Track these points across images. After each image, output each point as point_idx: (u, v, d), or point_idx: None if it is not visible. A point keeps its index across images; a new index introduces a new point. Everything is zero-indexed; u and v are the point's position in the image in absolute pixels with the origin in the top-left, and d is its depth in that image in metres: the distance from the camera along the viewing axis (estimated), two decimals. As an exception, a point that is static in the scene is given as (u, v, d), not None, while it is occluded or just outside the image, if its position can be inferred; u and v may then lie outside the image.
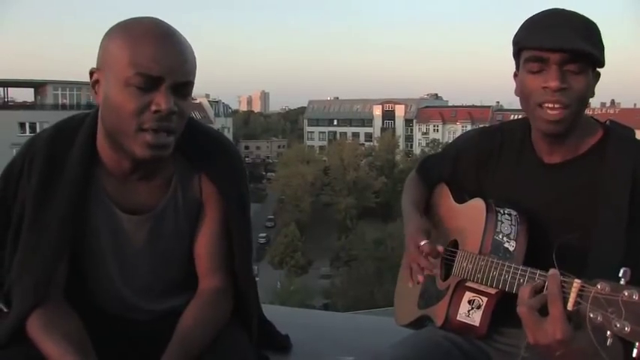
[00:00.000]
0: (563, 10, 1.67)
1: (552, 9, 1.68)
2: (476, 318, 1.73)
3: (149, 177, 1.74)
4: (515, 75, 1.73)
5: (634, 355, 1.20)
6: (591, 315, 1.27)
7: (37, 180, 1.69)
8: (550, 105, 1.62)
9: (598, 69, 1.67)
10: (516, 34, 1.70)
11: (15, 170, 1.74)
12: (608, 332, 1.24)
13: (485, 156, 1.90)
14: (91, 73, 1.62)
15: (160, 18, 1.62)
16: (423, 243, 1.80)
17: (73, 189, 1.68)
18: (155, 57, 1.52)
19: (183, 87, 1.58)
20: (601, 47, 1.65)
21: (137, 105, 1.53)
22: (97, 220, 1.74)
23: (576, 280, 1.33)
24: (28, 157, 1.73)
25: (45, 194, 1.68)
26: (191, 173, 1.80)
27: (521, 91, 1.69)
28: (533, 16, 1.69)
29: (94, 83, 1.61)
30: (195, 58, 1.63)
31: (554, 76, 1.59)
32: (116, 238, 1.76)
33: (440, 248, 1.79)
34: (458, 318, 1.75)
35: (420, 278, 1.81)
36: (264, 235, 61.99)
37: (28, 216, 1.68)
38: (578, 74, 1.61)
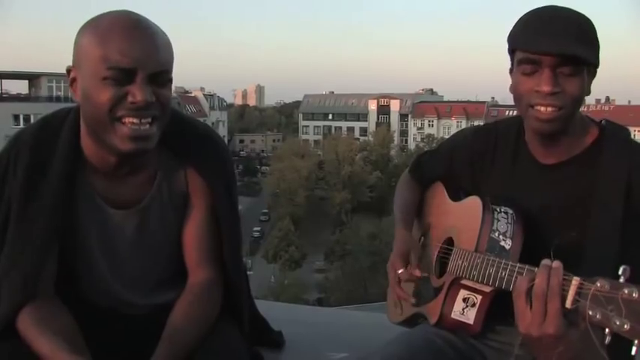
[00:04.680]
0: (557, 8, 1.65)
1: (547, 7, 1.66)
2: (470, 316, 1.73)
3: (135, 171, 1.73)
4: (511, 71, 1.72)
5: (633, 352, 1.20)
6: (590, 312, 1.26)
7: (23, 175, 1.68)
8: (542, 108, 1.61)
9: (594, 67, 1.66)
10: (511, 32, 1.69)
11: (1, 166, 1.73)
12: (607, 330, 1.24)
13: (480, 155, 1.90)
14: (68, 72, 1.62)
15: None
16: (400, 272, 1.84)
17: (60, 183, 1.67)
18: (124, 50, 1.51)
19: (159, 76, 1.57)
20: (596, 46, 1.63)
21: (112, 96, 1.53)
22: (84, 215, 1.73)
23: (575, 278, 1.32)
24: (13, 152, 1.72)
25: (31, 189, 1.67)
26: (177, 165, 1.79)
27: (515, 91, 1.68)
28: (528, 14, 1.67)
29: (72, 81, 1.61)
30: (170, 45, 1.62)
31: (546, 80, 1.58)
32: (104, 232, 1.75)
33: (416, 272, 1.83)
34: (452, 316, 1.75)
35: (402, 308, 1.87)
36: (258, 229, 62.08)
37: (14, 211, 1.67)
38: (572, 76, 1.59)
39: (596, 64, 1.64)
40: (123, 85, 1.53)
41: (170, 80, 1.62)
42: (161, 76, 1.57)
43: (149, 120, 1.57)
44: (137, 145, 1.57)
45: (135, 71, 1.52)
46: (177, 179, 1.79)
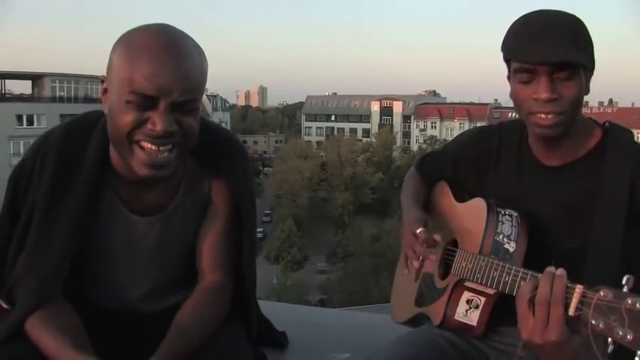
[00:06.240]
0: (547, 13, 1.64)
1: (536, 13, 1.65)
2: (473, 318, 1.73)
3: (159, 180, 1.71)
4: (509, 77, 1.71)
5: None
6: (593, 322, 1.26)
7: (50, 179, 1.67)
8: (542, 115, 1.62)
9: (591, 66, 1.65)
10: (504, 42, 1.68)
11: (27, 167, 1.72)
12: (610, 339, 1.23)
13: (484, 157, 1.90)
14: (102, 81, 1.61)
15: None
16: (419, 231, 1.82)
17: (87, 190, 1.66)
18: (150, 76, 1.47)
19: (184, 104, 1.53)
20: (589, 47, 1.63)
21: (133, 120, 1.51)
22: (107, 222, 1.73)
23: (578, 286, 1.32)
24: (40, 154, 1.70)
25: (57, 194, 1.66)
26: (201, 172, 1.79)
27: (514, 99, 1.69)
28: (518, 22, 1.66)
29: (104, 91, 1.60)
30: (201, 70, 1.57)
31: (544, 88, 1.58)
32: (125, 238, 1.75)
33: (436, 237, 1.80)
34: (455, 317, 1.75)
35: (416, 264, 1.82)
36: (260, 230, 61.86)
37: (38, 215, 1.66)
38: (569, 80, 1.59)
39: (591, 67, 1.64)
40: (145, 111, 1.50)
41: (197, 108, 1.58)
42: (186, 104, 1.54)
43: (169, 147, 1.55)
44: (153, 172, 1.56)
45: (158, 98, 1.49)
46: (201, 187, 1.80)
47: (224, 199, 1.80)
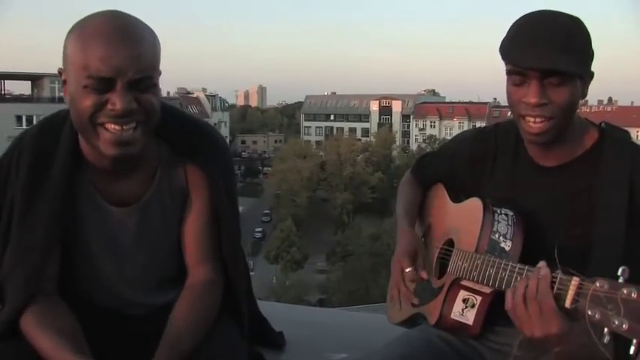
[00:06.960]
0: (546, 15, 1.63)
1: (536, 14, 1.64)
2: (470, 317, 1.73)
3: (135, 168, 1.75)
4: None
5: (631, 351, 1.22)
6: (590, 312, 1.28)
7: (26, 175, 1.71)
8: (532, 119, 1.62)
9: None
10: (502, 42, 1.68)
11: (4, 166, 1.76)
12: (606, 329, 1.25)
13: (481, 158, 1.90)
14: (60, 73, 1.64)
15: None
16: (407, 270, 1.84)
17: (62, 183, 1.69)
18: (104, 58, 1.51)
19: (140, 82, 1.56)
20: (585, 54, 1.62)
21: (92, 103, 1.54)
22: (85, 214, 1.75)
23: (574, 278, 1.34)
24: (15, 153, 1.75)
25: (34, 189, 1.70)
26: (176, 162, 1.81)
27: (508, 99, 1.69)
28: (517, 23, 1.66)
29: (64, 83, 1.63)
30: (154, 49, 1.61)
31: (533, 92, 1.58)
32: (106, 230, 1.77)
33: (423, 275, 1.83)
34: (452, 316, 1.75)
35: (401, 306, 1.86)
36: (260, 229, 62.05)
37: (17, 211, 1.69)
38: (560, 86, 1.58)
39: (585, 75, 1.63)
40: (103, 93, 1.54)
41: (154, 85, 1.62)
42: (143, 82, 1.57)
43: (133, 125, 1.59)
44: (120, 150, 1.59)
45: (114, 79, 1.53)
46: (177, 175, 1.81)
47: (201, 188, 1.81)
